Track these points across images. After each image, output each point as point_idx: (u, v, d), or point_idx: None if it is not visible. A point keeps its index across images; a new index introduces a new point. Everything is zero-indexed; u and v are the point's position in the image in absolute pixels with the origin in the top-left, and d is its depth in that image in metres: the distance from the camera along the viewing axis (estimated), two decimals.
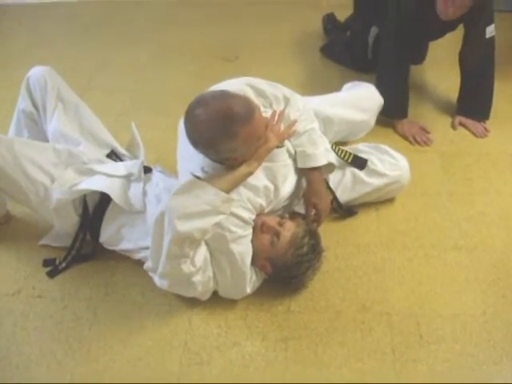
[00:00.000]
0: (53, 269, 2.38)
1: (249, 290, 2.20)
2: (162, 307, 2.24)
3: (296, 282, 2.23)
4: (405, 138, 3.13)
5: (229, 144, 1.92)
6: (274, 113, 2.17)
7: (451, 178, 2.85)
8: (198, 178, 1.98)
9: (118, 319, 2.21)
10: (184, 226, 1.88)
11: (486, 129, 3.17)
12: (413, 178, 2.77)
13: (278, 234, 2.13)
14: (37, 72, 2.51)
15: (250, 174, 2.07)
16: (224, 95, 1.92)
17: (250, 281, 2.18)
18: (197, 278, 2.07)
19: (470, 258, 2.43)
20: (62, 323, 2.20)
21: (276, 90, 2.30)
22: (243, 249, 2.10)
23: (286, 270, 2.15)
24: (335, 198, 2.53)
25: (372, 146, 2.65)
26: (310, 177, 2.33)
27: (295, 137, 2.27)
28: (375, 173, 2.52)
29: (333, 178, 2.50)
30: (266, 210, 2.21)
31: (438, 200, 2.72)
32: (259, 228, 2.14)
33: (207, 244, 2.08)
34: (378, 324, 2.17)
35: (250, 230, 2.13)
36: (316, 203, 2.34)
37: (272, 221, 2.16)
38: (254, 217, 2.13)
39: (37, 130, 2.56)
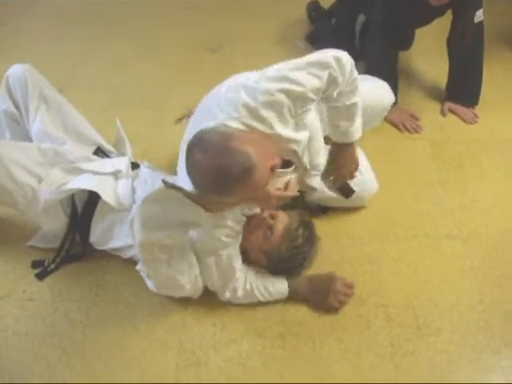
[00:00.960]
0: (42, 271, 2.34)
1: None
2: (156, 307, 2.21)
3: (293, 273, 2.21)
4: (394, 125, 3.10)
5: (226, 198, 1.74)
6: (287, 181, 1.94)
7: (442, 166, 2.84)
8: (171, 185, 1.88)
9: (111, 321, 2.18)
10: (150, 234, 1.85)
11: (475, 114, 3.16)
12: (404, 167, 2.78)
13: (271, 227, 2.10)
14: (16, 71, 2.41)
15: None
16: (223, 148, 1.63)
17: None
18: (182, 279, 2.05)
19: (464, 247, 2.42)
20: (54, 326, 2.16)
21: (315, 79, 1.82)
22: (232, 252, 2.09)
23: (281, 262, 2.14)
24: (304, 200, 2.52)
25: None
26: (342, 149, 2.12)
27: (334, 109, 2.03)
28: None
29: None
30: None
31: (430, 188, 2.71)
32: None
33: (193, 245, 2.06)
34: (375, 317, 2.16)
35: (240, 237, 2.12)
36: (343, 174, 2.18)
37: (264, 213, 2.13)
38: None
39: (19, 131, 2.48)
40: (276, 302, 2.20)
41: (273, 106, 1.74)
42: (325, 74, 1.80)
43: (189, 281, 2.06)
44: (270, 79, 1.78)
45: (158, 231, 1.87)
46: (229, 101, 1.76)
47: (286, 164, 1.89)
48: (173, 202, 1.87)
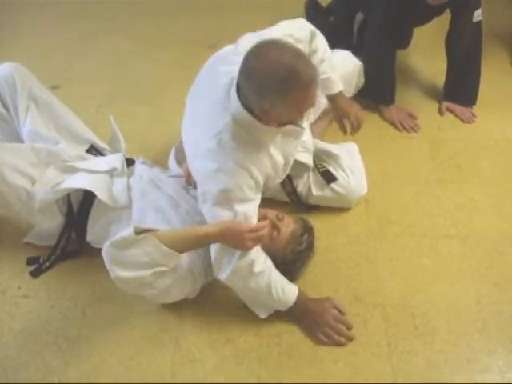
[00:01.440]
0: (36, 268, 2.33)
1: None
2: (152, 305, 2.19)
3: (288, 278, 2.16)
4: (392, 124, 3.10)
5: (275, 96, 1.74)
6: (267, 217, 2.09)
7: (440, 165, 2.83)
8: (142, 230, 1.85)
9: (106, 318, 2.17)
10: (121, 273, 1.81)
11: (473, 114, 3.16)
12: (402, 166, 2.78)
13: (278, 229, 2.09)
14: (4, 70, 2.37)
15: (207, 238, 1.93)
16: (299, 54, 1.75)
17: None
18: (172, 292, 2.03)
19: (461, 247, 2.41)
20: (49, 324, 2.15)
21: (302, 31, 2.21)
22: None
23: (281, 265, 2.11)
24: (295, 192, 2.54)
25: (334, 156, 2.57)
26: (338, 100, 2.43)
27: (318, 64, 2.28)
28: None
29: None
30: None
31: (428, 188, 2.70)
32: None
33: None
34: (372, 316, 2.15)
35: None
36: (350, 120, 2.44)
37: (271, 214, 2.12)
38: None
39: (9, 130, 2.44)
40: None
41: None
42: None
43: (179, 288, 2.04)
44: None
45: (127, 271, 1.81)
46: None
47: None
48: (141, 242, 1.81)
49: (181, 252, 1.88)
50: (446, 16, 3.02)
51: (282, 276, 2.08)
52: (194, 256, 2.08)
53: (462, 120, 3.14)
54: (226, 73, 1.93)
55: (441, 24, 3.10)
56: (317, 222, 2.33)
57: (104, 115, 2.81)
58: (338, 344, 2.06)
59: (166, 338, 2.10)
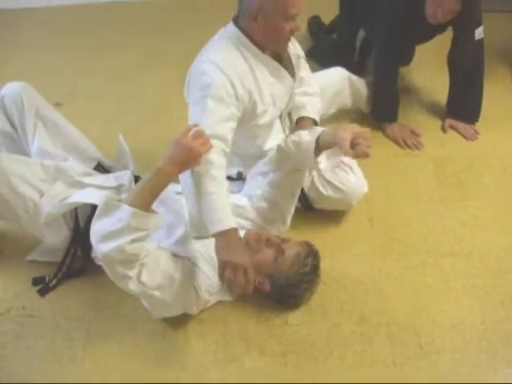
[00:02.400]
0: (43, 287, 2.33)
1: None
2: (157, 323, 2.19)
3: (293, 301, 2.20)
4: (396, 141, 3.11)
5: None
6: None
7: (443, 183, 2.84)
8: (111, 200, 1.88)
9: (111, 338, 2.17)
10: (104, 247, 1.80)
11: (476, 131, 3.17)
12: (405, 184, 2.79)
13: (282, 252, 2.10)
14: (12, 90, 2.39)
15: (160, 172, 1.92)
16: None
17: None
18: (159, 295, 1.99)
19: (466, 264, 2.42)
20: (54, 343, 2.15)
21: None
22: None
23: (286, 288, 2.12)
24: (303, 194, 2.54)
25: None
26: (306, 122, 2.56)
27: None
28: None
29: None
30: None
31: (432, 205, 2.71)
32: (263, 242, 2.11)
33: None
34: (377, 335, 2.15)
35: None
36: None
37: (276, 238, 2.14)
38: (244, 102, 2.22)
39: (16, 149, 2.46)
40: (277, 317, 2.20)
41: None
42: None
43: (170, 295, 2.01)
44: None
45: (109, 244, 1.79)
46: None
47: None
48: (114, 211, 1.82)
49: (147, 207, 1.86)
50: (448, 33, 3.04)
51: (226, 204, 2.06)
52: (200, 274, 2.09)
53: (465, 137, 3.15)
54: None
55: (443, 41, 3.12)
56: (321, 241, 2.34)
57: (109, 133, 2.83)
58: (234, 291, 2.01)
59: (170, 357, 2.10)
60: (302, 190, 2.50)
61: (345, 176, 2.52)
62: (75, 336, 2.17)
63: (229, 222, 1.97)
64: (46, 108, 2.45)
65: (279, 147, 2.23)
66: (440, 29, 3.00)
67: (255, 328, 2.18)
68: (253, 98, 2.21)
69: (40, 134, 2.40)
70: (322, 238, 2.44)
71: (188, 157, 1.92)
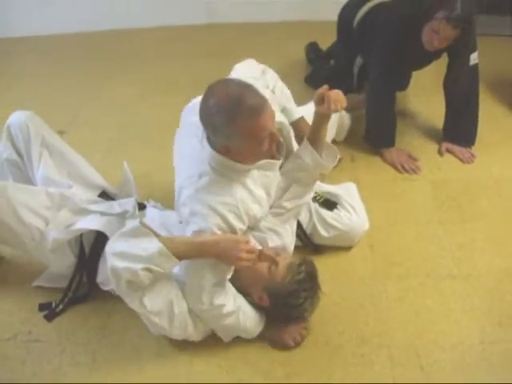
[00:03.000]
0: (50, 312, 2.36)
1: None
2: (162, 349, 2.22)
3: (295, 314, 2.20)
4: (393, 166, 3.15)
5: (227, 128, 1.86)
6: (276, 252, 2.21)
7: (441, 206, 2.87)
8: (144, 225, 1.93)
9: (117, 363, 2.19)
10: (117, 263, 1.84)
11: (472, 155, 3.21)
12: (404, 207, 2.82)
13: (276, 263, 2.13)
14: (18, 119, 2.44)
15: (203, 246, 1.95)
16: (246, 86, 1.88)
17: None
18: (157, 320, 2.03)
19: (464, 286, 2.44)
20: (60, 368, 2.17)
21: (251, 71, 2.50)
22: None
23: (284, 297, 2.13)
24: (305, 234, 2.59)
25: (334, 195, 2.66)
26: (300, 125, 2.50)
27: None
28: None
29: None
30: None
31: (430, 228, 2.74)
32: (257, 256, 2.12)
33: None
34: (377, 357, 2.17)
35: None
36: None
37: (269, 251, 2.17)
38: (244, 228, 2.11)
39: (21, 177, 2.50)
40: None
41: None
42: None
43: (168, 323, 2.05)
44: None
45: (124, 260, 1.84)
46: None
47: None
48: (143, 238, 1.88)
49: (177, 256, 1.89)
50: (444, 58, 3.09)
51: (251, 308, 2.18)
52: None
53: (462, 160, 3.19)
54: (197, 124, 2.00)
55: (439, 66, 3.18)
56: (321, 266, 2.34)
57: (112, 160, 2.87)
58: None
59: (176, 381, 2.12)
60: (303, 230, 2.57)
61: (347, 216, 2.57)
62: (81, 361, 2.20)
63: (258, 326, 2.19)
64: (51, 137, 2.50)
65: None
66: (436, 55, 3.06)
67: (258, 351, 2.20)
68: (253, 211, 2.11)
69: (45, 162, 2.44)
70: (322, 263, 2.44)
71: (229, 256, 1.96)
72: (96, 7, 4.80)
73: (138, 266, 1.83)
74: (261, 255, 2.12)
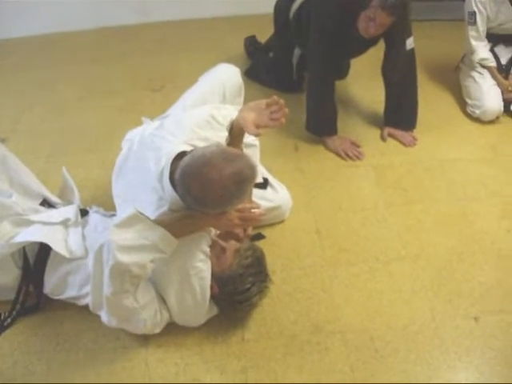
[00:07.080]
0: None
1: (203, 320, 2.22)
2: (117, 351, 2.20)
3: (243, 299, 2.17)
4: (336, 153, 3.17)
5: (236, 204, 1.95)
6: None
7: (386, 190, 2.91)
8: (140, 213, 1.92)
9: (72, 369, 2.16)
10: (123, 258, 1.83)
11: (414, 138, 3.26)
12: (349, 194, 2.84)
13: (224, 250, 2.15)
14: None
15: (196, 218, 1.99)
16: (235, 158, 1.84)
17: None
18: (144, 314, 2.04)
19: (413, 267, 2.49)
20: (15, 380, 2.13)
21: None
22: (204, 282, 2.10)
23: (231, 283, 2.13)
24: None
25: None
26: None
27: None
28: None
29: None
30: None
31: (377, 213, 2.78)
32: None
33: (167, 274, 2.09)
34: (332, 343, 2.19)
35: (209, 262, 2.14)
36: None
37: (218, 239, 2.19)
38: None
39: None
40: (234, 335, 2.24)
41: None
42: None
43: (149, 314, 2.07)
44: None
45: (131, 254, 1.84)
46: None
47: None
48: (142, 227, 1.88)
49: (175, 236, 1.92)
50: (381, 44, 3.12)
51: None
52: None
53: (404, 144, 3.24)
54: (156, 160, 2.01)
55: (376, 53, 3.20)
56: (271, 256, 2.38)
57: (54, 165, 2.83)
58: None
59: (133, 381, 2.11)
60: None
61: (275, 191, 2.67)
62: (35, 370, 2.16)
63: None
64: None
65: None
66: (372, 42, 3.08)
67: (213, 348, 2.20)
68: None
69: None
70: (271, 253, 2.48)
71: (223, 223, 2.06)
72: (30, 14, 4.71)
73: (147, 258, 1.87)
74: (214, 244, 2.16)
